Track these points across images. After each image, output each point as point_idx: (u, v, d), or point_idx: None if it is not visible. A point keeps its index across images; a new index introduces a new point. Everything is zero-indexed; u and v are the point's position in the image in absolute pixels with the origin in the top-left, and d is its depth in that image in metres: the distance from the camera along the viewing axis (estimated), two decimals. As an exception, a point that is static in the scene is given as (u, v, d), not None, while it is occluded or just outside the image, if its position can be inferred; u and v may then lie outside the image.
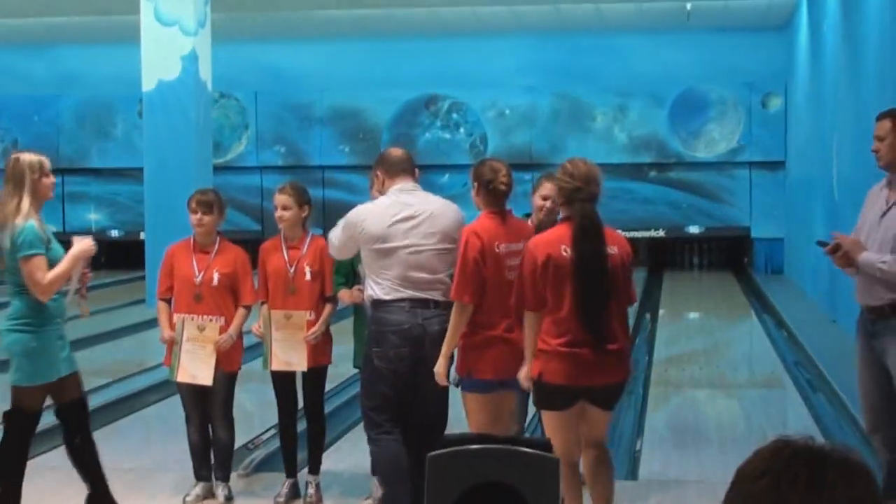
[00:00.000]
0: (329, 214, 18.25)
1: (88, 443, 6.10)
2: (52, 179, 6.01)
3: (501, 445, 4.50)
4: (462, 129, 20.44)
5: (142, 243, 15.60)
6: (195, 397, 6.68)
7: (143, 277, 15.63)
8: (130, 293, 16.20)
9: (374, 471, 5.99)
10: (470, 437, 4.59)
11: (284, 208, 6.69)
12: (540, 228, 6.15)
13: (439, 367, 5.71)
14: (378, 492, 6.51)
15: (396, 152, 6.06)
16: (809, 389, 10.09)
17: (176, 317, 6.63)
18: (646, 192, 19.95)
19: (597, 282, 5.38)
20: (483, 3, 18.21)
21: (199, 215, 6.67)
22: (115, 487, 6.94)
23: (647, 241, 19.89)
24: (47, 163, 5.98)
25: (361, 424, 6.74)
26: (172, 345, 6.59)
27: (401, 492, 5.79)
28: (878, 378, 5.82)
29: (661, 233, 19.92)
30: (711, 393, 10.43)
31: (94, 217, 20.45)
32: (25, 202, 5.83)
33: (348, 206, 6.14)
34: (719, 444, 8.22)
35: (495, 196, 5.81)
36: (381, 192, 5.94)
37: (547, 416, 5.55)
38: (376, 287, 5.79)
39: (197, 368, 6.48)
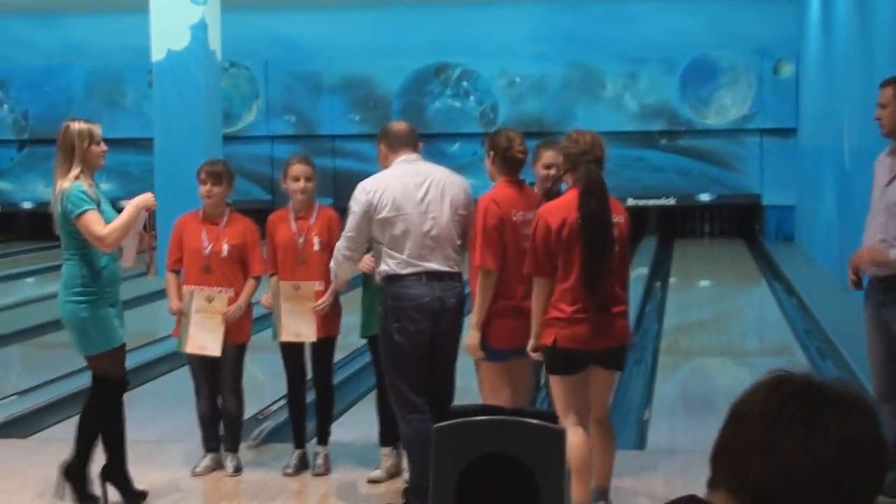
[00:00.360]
0: (339, 183, 18.25)
1: (118, 415, 6.17)
2: (102, 148, 6.04)
3: (507, 417, 4.52)
4: (472, 98, 20.38)
5: (152, 213, 15.59)
6: (205, 369, 6.70)
7: (154, 248, 15.61)
8: (137, 264, 16.22)
9: (405, 446, 6.03)
10: (475, 409, 4.61)
11: (308, 179, 6.68)
12: (547, 197, 6.09)
13: (472, 340, 5.80)
14: (387, 462, 6.55)
15: (399, 126, 6.07)
16: (819, 358, 10.08)
17: (185, 288, 6.65)
18: (656, 159, 19.89)
19: (601, 244, 5.45)
20: (493, -29, 18.14)
21: (208, 186, 6.67)
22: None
23: (658, 209, 19.85)
24: (97, 131, 6.01)
25: (371, 395, 6.76)
26: (181, 316, 6.61)
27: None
28: (888, 347, 5.85)
29: (672, 201, 19.87)
30: (721, 361, 10.43)
31: (104, 187, 20.40)
32: (75, 169, 5.87)
33: (358, 175, 6.15)
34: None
35: (512, 165, 5.90)
36: (385, 166, 5.93)
37: (561, 381, 5.58)
38: (391, 261, 5.74)
39: (205, 339, 6.50)
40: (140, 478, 6.45)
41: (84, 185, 5.88)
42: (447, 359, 5.84)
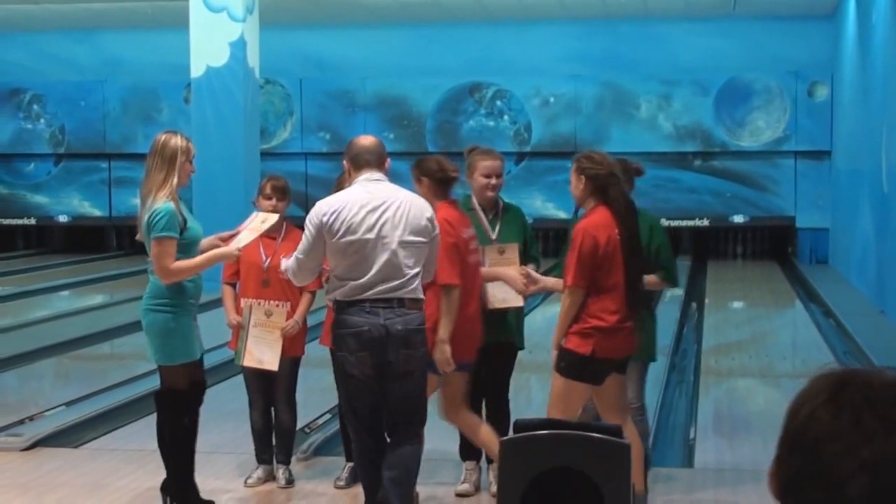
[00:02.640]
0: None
1: (194, 427, 6.24)
2: (193, 168, 6.09)
3: (573, 431, 4.56)
4: (506, 117, 20.44)
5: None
6: (260, 381, 6.75)
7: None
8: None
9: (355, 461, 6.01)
10: (541, 423, 4.64)
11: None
12: (486, 208, 6.60)
13: (441, 354, 5.90)
14: (472, 476, 6.57)
15: (364, 141, 5.75)
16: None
17: (243, 302, 6.69)
18: (690, 180, 19.90)
19: (638, 259, 5.90)
20: (529, -9, 18.21)
21: (273, 201, 6.69)
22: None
23: (691, 230, 19.85)
24: (194, 150, 6.08)
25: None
26: (238, 329, 6.65)
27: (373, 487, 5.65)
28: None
29: (706, 222, 19.87)
30: (762, 382, 10.43)
31: (137, 202, 20.55)
32: (169, 185, 5.90)
33: None
34: (773, 433, 8.22)
35: (447, 186, 6.17)
36: (349, 184, 5.69)
37: (583, 389, 5.82)
38: (339, 287, 5.49)
39: (263, 353, 6.53)
40: (192, 489, 6.50)
41: (174, 206, 5.89)
42: (403, 387, 5.52)
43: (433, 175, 6.12)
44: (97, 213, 21.47)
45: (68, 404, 9.07)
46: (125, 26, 20.82)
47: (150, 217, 5.86)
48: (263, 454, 6.86)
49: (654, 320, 6.62)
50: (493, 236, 6.60)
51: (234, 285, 6.82)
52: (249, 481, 6.81)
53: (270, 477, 6.85)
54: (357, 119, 20.64)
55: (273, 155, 20.05)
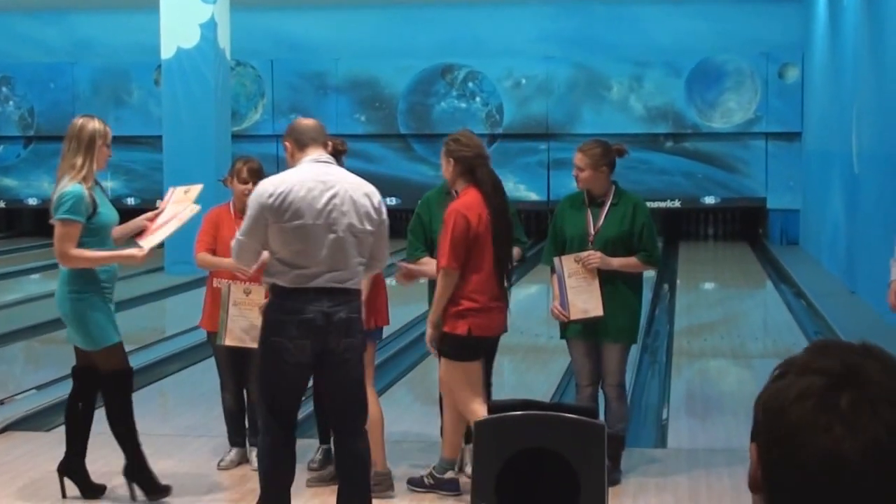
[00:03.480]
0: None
1: (89, 412, 6.23)
2: (110, 152, 6.08)
3: (546, 412, 4.56)
4: (478, 99, 20.41)
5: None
6: (232, 363, 6.72)
7: (161, 245, 15.64)
8: (148, 261, 16.19)
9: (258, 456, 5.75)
10: (515, 404, 4.64)
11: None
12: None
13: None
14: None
15: (306, 121, 5.53)
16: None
17: (220, 282, 6.66)
18: (661, 162, 19.92)
19: (508, 239, 6.11)
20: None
21: (250, 185, 6.62)
22: (148, 452, 7.01)
23: (663, 211, 19.87)
24: (111, 134, 6.05)
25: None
26: (211, 307, 6.64)
27: (281, 489, 5.42)
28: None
29: (677, 203, 19.91)
30: (734, 362, 10.48)
31: (109, 185, 20.45)
32: (85, 169, 5.86)
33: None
34: (745, 413, 8.26)
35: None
36: (292, 165, 5.44)
37: (468, 368, 6.02)
38: (281, 272, 5.21)
39: (245, 331, 6.50)
40: (164, 471, 6.49)
41: (84, 190, 5.82)
42: (343, 375, 5.29)
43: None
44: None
45: (39, 388, 9.04)
46: (95, 7, 20.66)
47: (57, 199, 5.82)
48: (236, 437, 6.85)
49: (639, 303, 6.60)
50: (592, 229, 6.51)
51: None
52: (223, 464, 6.80)
53: (244, 459, 6.83)
54: (328, 101, 20.56)
55: (244, 137, 19.95)
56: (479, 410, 5.72)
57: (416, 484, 6.36)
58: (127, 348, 10.59)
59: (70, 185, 5.81)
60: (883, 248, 8.25)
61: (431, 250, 6.46)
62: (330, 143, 5.69)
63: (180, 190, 6.35)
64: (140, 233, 6.24)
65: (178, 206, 6.21)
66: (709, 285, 16.12)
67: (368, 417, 5.48)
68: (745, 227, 20.46)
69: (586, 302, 6.34)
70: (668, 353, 10.33)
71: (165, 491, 6.25)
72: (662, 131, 19.97)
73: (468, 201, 5.94)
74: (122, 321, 12.47)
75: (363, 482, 5.45)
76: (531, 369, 9.83)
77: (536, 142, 19.90)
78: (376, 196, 5.40)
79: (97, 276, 5.93)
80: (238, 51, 17.52)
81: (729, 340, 11.24)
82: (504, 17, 20.04)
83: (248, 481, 6.61)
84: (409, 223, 6.76)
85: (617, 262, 6.34)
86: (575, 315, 6.37)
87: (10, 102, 21.44)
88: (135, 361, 9.85)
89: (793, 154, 19.67)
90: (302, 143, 5.38)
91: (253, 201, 5.30)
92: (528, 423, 4.46)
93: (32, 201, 21.30)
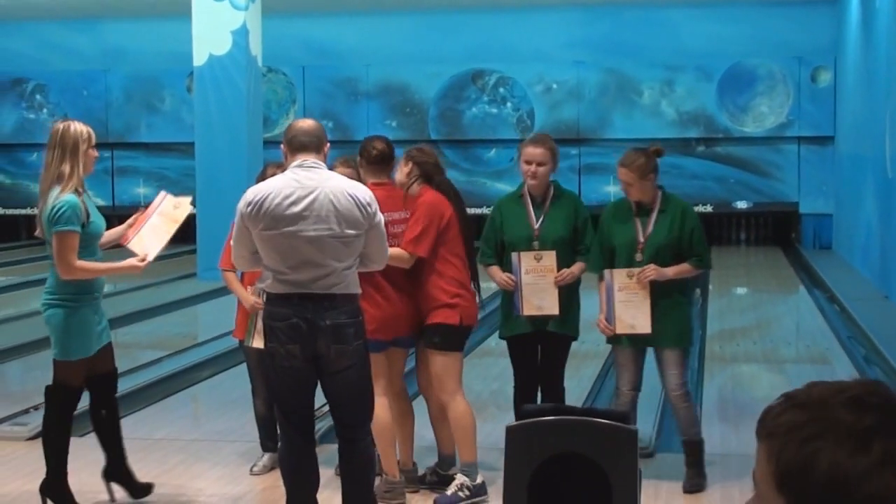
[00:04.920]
0: (377, 189, 18.28)
1: (114, 415, 6.20)
2: (97, 153, 5.98)
3: (578, 417, 4.55)
4: (509, 104, 20.41)
5: (191, 217, 15.68)
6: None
7: (193, 251, 15.74)
8: (181, 267, 16.31)
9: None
10: (547, 409, 4.63)
11: None
12: (534, 197, 6.53)
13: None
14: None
15: (303, 124, 5.40)
16: (865, 364, 10.06)
17: (249, 289, 6.66)
18: (693, 167, 19.88)
19: (470, 236, 6.40)
20: (531, -22, 18.17)
21: None
22: (180, 457, 7.08)
23: (695, 216, 19.79)
24: (94, 135, 5.94)
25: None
26: (245, 316, 6.64)
27: (305, 493, 5.47)
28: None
29: (709, 208, 19.86)
30: (766, 367, 10.42)
31: (142, 191, 20.56)
32: (75, 176, 5.77)
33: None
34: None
35: (376, 166, 6.37)
36: (284, 168, 5.43)
37: (457, 357, 6.21)
38: (268, 278, 5.24)
39: None
40: (198, 475, 6.52)
41: (77, 199, 5.74)
42: (341, 382, 5.27)
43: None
44: (100, 202, 21.28)
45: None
46: (127, 15, 20.79)
47: (52, 210, 5.69)
48: (268, 442, 6.86)
49: (690, 306, 6.56)
50: (536, 226, 6.45)
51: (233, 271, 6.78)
52: (255, 469, 6.82)
53: (276, 465, 6.83)
54: (360, 107, 20.62)
55: (276, 143, 19.92)
56: (463, 402, 6.14)
57: (451, 502, 6.13)
58: (159, 354, 10.74)
59: (63, 196, 5.72)
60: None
61: (501, 256, 6.49)
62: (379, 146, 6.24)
63: (170, 202, 6.22)
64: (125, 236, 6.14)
65: (164, 221, 6.11)
66: (741, 290, 16.05)
67: (374, 423, 5.53)
68: (778, 231, 20.38)
69: (634, 318, 6.26)
70: (701, 358, 10.29)
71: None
72: (694, 136, 19.93)
73: (438, 197, 6.21)
74: (154, 327, 12.62)
75: (364, 485, 5.46)
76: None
77: (567, 147, 19.85)
78: (364, 196, 5.26)
79: (84, 284, 5.84)
80: (269, 57, 17.58)
81: (761, 345, 11.18)
82: (534, 22, 20.05)
83: (281, 487, 6.62)
84: None
85: (671, 272, 6.25)
86: (621, 330, 6.30)
87: (44, 110, 21.59)
88: (167, 367, 10.06)
89: (825, 158, 19.58)
90: (293, 147, 5.29)
91: (237, 209, 5.29)
92: (560, 427, 4.45)
93: (66, 208, 21.41)
